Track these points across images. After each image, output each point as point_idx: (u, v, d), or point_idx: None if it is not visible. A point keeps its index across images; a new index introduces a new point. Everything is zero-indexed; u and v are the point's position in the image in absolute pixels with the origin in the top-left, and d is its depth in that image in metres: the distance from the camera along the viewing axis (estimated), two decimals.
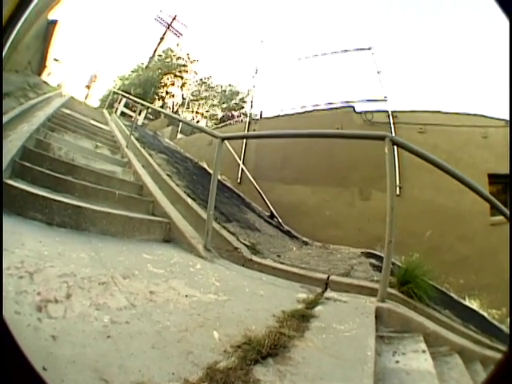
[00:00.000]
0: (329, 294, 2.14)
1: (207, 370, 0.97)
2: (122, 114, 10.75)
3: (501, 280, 5.57)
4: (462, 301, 4.00)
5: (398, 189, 6.10)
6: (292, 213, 6.25)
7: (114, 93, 12.84)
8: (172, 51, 19.14)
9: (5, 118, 3.17)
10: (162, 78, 18.03)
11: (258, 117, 9.11)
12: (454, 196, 5.77)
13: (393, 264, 2.79)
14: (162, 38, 20.76)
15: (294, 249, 4.18)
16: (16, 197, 2.09)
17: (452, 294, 3.83)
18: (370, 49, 7.96)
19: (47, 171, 2.81)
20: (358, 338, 1.42)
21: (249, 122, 8.92)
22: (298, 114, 7.91)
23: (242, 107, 17.17)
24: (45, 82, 8.29)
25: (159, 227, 2.96)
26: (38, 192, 2.26)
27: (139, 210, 3.19)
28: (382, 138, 2.15)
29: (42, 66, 9.60)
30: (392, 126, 6.55)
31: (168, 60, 18.67)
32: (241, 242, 3.20)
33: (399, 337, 1.72)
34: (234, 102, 18.23)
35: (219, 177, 7.33)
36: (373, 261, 3.48)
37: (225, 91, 18.55)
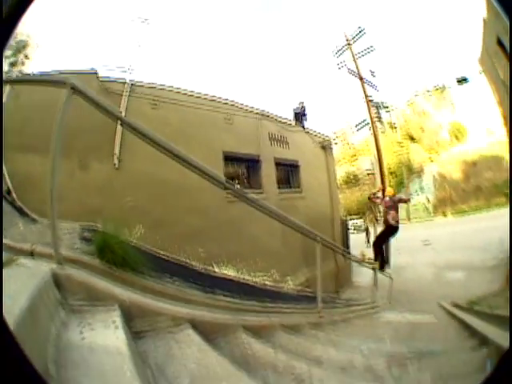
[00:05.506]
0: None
1: None
2: None
3: (253, 247, 6.53)
4: (209, 267, 4.20)
5: (117, 161, 5.79)
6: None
7: None
8: None
9: None
10: None
11: None
12: (180, 169, 5.42)
13: (95, 231, 2.93)
14: None
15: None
16: None
17: (192, 262, 3.98)
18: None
19: None
20: None
21: None
22: None
23: None
24: None
25: None
26: None
27: None
28: (63, 83, 1.77)
29: None
30: (128, 97, 6.22)
31: None
32: None
33: (90, 309, 1.41)
34: None
35: None
36: (86, 234, 3.21)
37: None
